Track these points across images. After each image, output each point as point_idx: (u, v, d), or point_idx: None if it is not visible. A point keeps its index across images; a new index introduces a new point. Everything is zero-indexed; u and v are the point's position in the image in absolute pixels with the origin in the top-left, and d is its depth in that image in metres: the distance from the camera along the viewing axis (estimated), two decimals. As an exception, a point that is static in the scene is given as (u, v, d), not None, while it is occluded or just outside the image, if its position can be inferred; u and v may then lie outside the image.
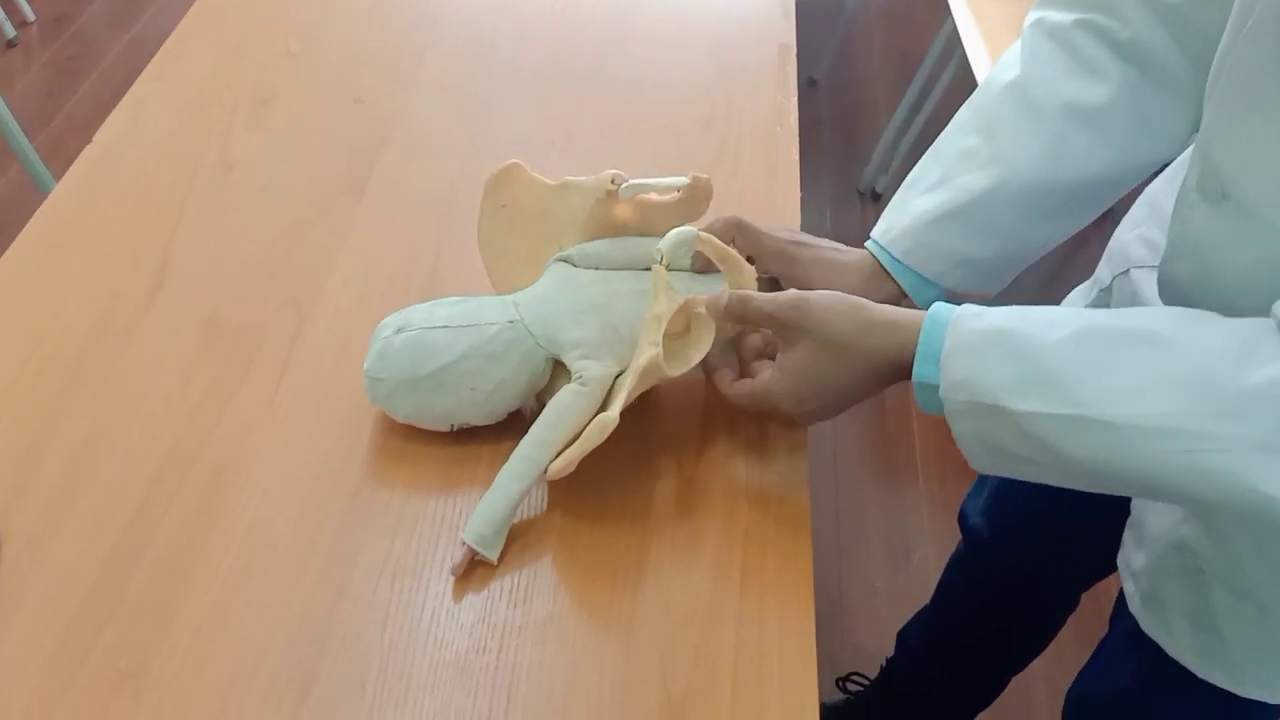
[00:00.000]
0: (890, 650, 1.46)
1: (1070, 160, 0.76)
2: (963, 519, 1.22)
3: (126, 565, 0.69)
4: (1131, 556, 0.85)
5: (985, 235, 0.78)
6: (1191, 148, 0.68)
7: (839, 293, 0.70)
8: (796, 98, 1.13)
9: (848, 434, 1.95)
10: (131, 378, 0.80)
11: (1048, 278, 2.34)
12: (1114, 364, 0.59)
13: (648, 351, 0.71)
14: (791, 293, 0.70)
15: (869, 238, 0.82)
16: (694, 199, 0.81)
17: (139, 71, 1.08)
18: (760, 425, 0.81)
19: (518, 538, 0.73)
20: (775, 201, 1.01)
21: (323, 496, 0.74)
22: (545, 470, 0.72)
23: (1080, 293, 0.96)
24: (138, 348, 0.82)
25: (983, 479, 1.19)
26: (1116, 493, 0.65)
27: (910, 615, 1.44)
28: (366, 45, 1.14)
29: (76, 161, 0.96)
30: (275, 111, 1.04)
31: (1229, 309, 0.59)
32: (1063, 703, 1.03)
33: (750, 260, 0.81)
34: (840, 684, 1.50)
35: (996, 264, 0.81)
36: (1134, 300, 0.83)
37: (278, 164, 0.99)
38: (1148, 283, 0.80)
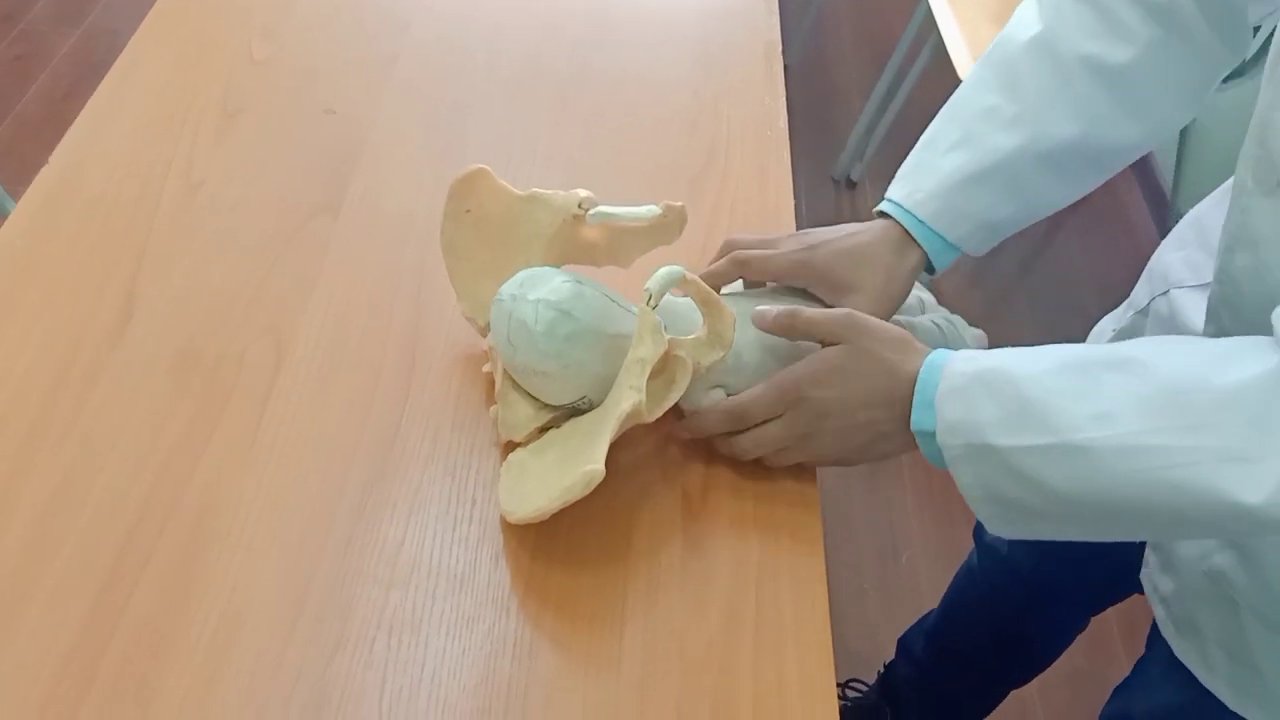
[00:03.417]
0: (884, 654, 1.44)
1: (1095, 121, 0.76)
2: (978, 532, 1.19)
3: (102, 635, 0.64)
4: (1158, 580, 0.83)
5: (1009, 196, 0.78)
6: (1247, 142, 0.66)
7: (890, 325, 0.71)
8: (785, 99, 1.09)
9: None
10: (100, 424, 0.75)
11: (1022, 266, 2.32)
12: (1089, 390, 0.59)
13: (630, 397, 0.67)
14: (844, 310, 0.72)
15: (887, 199, 0.79)
16: (667, 225, 0.78)
17: (90, 69, 1.03)
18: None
19: (517, 589, 0.69)
20: (767, 208, 0.98)
21: (312, 545, 0.70)
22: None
23: (1112, 317, 0.93)
24: (105, 390, 0.77)
25: None
26: (1113, 535, 0.64)
27: (901, 618, 1.42)
28: (335, 50, 1.09)
29: (31, 187, 0.90)
30: (242, 125, 0.99)
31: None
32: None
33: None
34: (839, 690, 1.48)
35: (1010, 224, 0.80)
36: (1171, 321, 0.81)
37: (247, 182, 0.93)
38: (1187, 302, 0.79)
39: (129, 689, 0.62)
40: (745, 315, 0.76)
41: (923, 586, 1.68)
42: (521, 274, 0.73)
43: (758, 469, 0.76)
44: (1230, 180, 0.78)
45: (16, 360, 0.78)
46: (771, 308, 0.74)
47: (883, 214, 0.80)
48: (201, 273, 0.86)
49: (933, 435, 0.65)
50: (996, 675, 1.30)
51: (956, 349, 0.78)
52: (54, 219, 0.89)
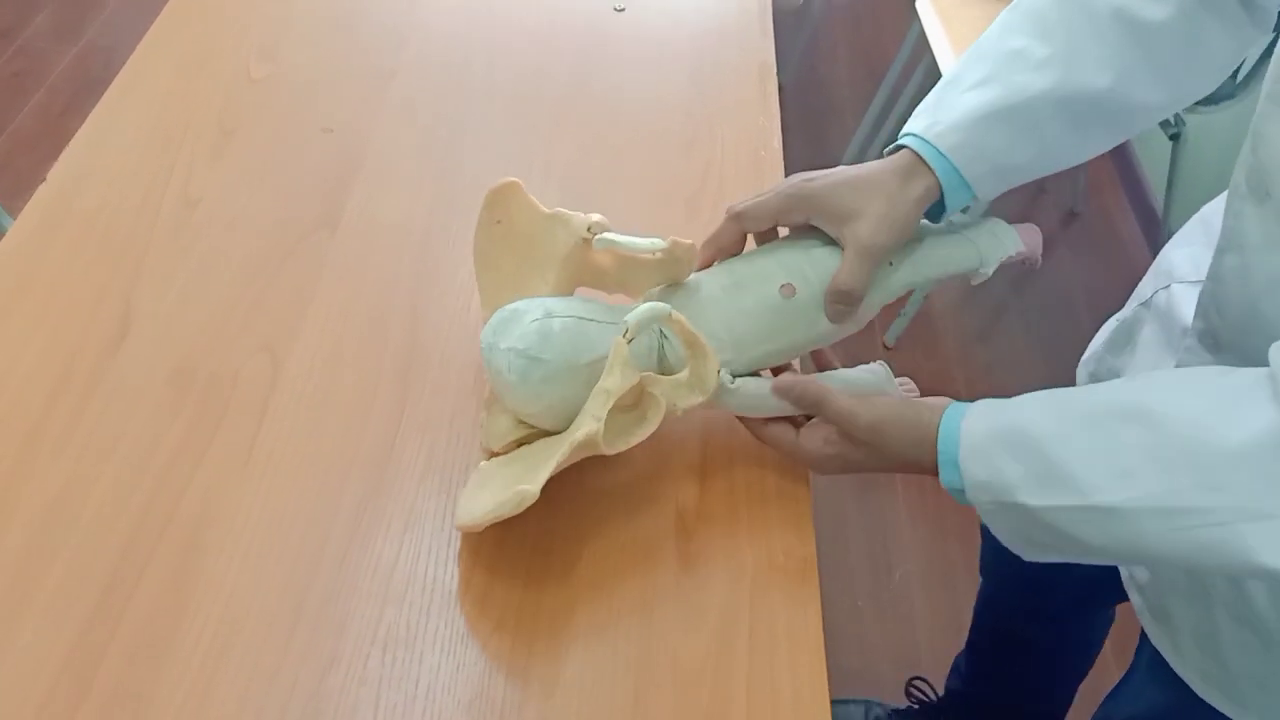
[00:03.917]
0: (877, 670, 1.44)
1: (1123, 75, 0.74)
2: (983, 565, 1.22)
3: (97, 647, 0.64)
4: (1135, 569, 0.85)
5: (1028, 140, 0.75)
6: (1244, 148, 0.67)
7: (901, 405, 0.71)
8: (779, 119, 1.10)
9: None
10: (95, 439, 0.75)
11: (1015, 283, 2.34)
12: (1110, 448, 0.60)
13: (588, 425, 0.67)
14: (865, 414, 0.71)
15: (904, 133, 0.76)
16: (677, 262, 0.76)
17: (87, 85, 1.03)
18: (760, 470, 0.78)
19: (511, 604, 0.69)
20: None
21: (307, 561, 0.70)
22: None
23: (1120, 314, 0.95)
24: (101, 405, 0.77)
25: None
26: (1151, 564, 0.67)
27: (894, 634, 1.43)
28: (332, 68, 1.10)
29: (29, 203, 0.91)
30: (239, 143, 1.00)
31: (1257, 314, 0.60)
32: None
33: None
34: (906, 689, 1.48)
35: (1022, 172, 0.77)
36: (1168, 315, 0.83)
37: (244, 199, 0.94)
38: (1184, 297, 0.80)
39: (123, 700, 0.62)
40: (741, 282, 0.75)
41: (916, 602, 1.68)
42: (497, 315, 0.73)
43: (750, 486, 0.77)
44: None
45: (12, 374, 0.78)
46: (798, 381, 0.73)
47: (897, 150, 0.77)
48: (198, 289, 0.86)
49: (962, 491, 0.67)
50: (1038, 682, 1.30)
51: (993, 254, 0.77)
52: (51, 235, 0.89)
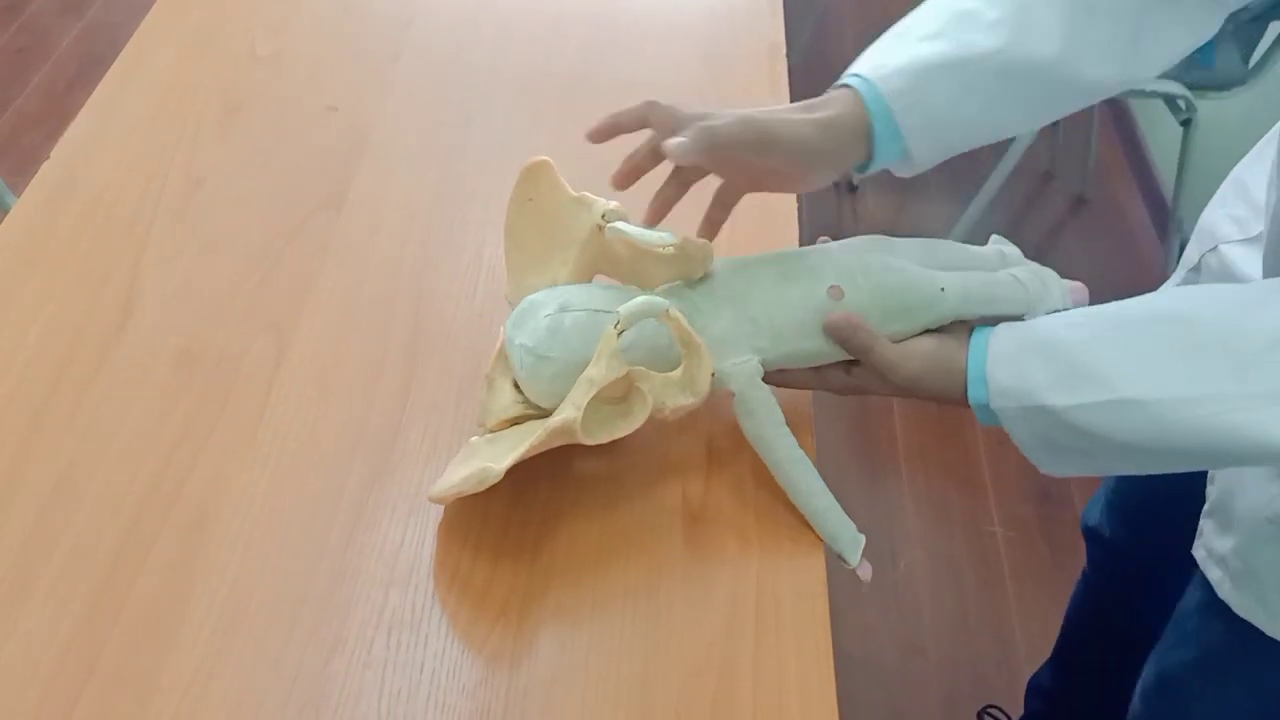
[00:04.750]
0: (880, 659, 1.44)
1: (1071, 44, 0.74)
2: (1084, 528, 1.21)
3: (101, 629, 0.64)
4: (1215, 543, 0.85)
5: (971, 96, 0.74)
6: None
7: (938, 352, 0.71)
8: (789, 100, 1.09)
9: (829, 431, 1.92)
10: (100, 418, 0.74)
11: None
12: (1139, 347, 0.63)
13: (566, 412, 0.67)
14: (906, 368, 0.71)
15: (852, 74, 0.75)
16: (689, 260, 0.75)
17: (92, 62, 1.03)
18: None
19: (517, 589, 0.69)
20: (770, 210, 0.97)
21: (312, 544, 0.69)
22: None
23: (1169, 282, 0.95)
24: (106, 384, 0.76)
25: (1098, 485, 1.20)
26: (1167, 469, 0.67)
27: (899, 623, 1.42)
28: (338, 47, 1.09)
29: (34, 181, 0.90)
30: (244, 120, 0.99)
31: None
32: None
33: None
34: (977, 716, 1.48)
35: (956, 134, 0.76)
36: (1223, 274, 0.84)
37: (250, 177, 0.93)
38: (1237, 256, 0.82)
39: (127, 683, 0.62)
40: (790, 274, 0.74)
41: (920, 591, 1.68)
42: (520, 306, 0.73)
43: (758, 473, 0.76)
44: (1266, 138, 0.82)
45: (17, 355, 0.78)
46: (848, 319, 0.72)
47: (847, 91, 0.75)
48: (203, 269, 0.86)
49: (986, 406, 0.68)
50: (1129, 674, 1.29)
51: (1041, 303, 0.77)
52: (56, 213, 0.88)
